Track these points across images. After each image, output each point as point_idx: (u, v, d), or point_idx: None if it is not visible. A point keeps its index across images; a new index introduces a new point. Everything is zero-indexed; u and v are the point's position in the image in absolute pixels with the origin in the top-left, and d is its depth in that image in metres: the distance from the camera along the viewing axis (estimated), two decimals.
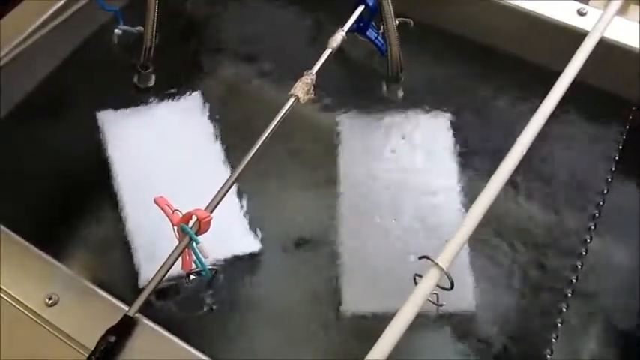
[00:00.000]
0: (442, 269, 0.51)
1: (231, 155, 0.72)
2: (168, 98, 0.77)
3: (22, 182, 0.69)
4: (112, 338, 0.48)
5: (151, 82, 0.78)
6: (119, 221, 0.67)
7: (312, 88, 0.63)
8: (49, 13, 0.72)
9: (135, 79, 0.78)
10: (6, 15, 0.71)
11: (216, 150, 0.74)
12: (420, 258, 0.53)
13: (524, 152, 0.58)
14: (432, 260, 0.52)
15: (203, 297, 0.62)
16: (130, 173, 0.71)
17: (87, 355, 0.48)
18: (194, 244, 0.54)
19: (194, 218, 0.54)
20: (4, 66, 0.69)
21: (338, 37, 0.66)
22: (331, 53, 0.65)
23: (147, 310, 0.54)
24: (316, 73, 0.63)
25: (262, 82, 0.80)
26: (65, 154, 0.73)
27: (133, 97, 0.77)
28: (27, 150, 0.71)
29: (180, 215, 0.55)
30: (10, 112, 0.72)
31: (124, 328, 0.50)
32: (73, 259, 0.65)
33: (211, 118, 0.76)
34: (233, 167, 0.71)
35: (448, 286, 0.52)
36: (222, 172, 0.72)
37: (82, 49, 0.78)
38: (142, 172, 0.71)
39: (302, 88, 0.62)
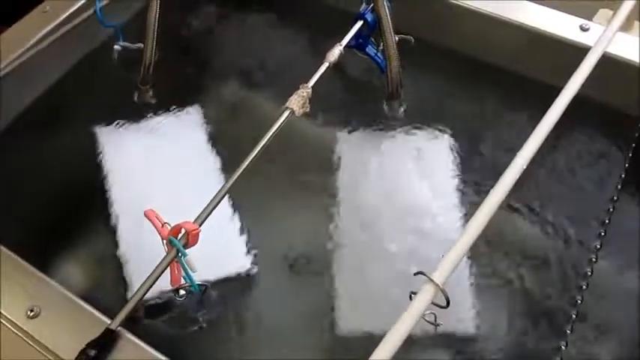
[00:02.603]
0: (437, 285, 0.49)
1: (230, 170, 0.71)
2: (167, 114, 0.77)
3: (17, 195, 0.68)
4: (92, 352, 0.47)
5: (150, 98, 0.78)
6: (114, 236, 0.66)
7: (307, 101, 0.62)
8: (50, 27, 0.72)
9: (134, 95, 0.78)
10: (7, 29, 0.71)
11: (214, 166, 0.73)
12: (416, 274, 0.51)
13: (524, 167, 0.57)
14: (427, 276, 0.50)
15: (193, 314, 0.60)
16: (128, 188, 0.70)
17: None
18: (182, 257, 0.53)
19: (183, 231, 0.53)
20: (3, 79, 0.69)
21: (335, 52, 0.66)
22: (328, 67, 0.65)
23: (135, 326, 0.53)
24: (313, 87, 0.63)
25: (262, 97, 0.79)
26: (62, 169, 0.72)
27: (131, 112, 0.76)
28: (23, 163, 0.70)
29: (170, 228, 0.54)
30: (8, 126, 0.72)
31: (105, 342, 0.48)
32: (65, 273, 0.63)
33: (210, 133, 0.75)
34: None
35: (445, 304, 0.50)
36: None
37: (82, 65, 0.78)
38: (139, 187, 0.71)
39: (297, 102, 0.61)
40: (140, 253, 0.65)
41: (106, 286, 0.63)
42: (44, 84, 0.75)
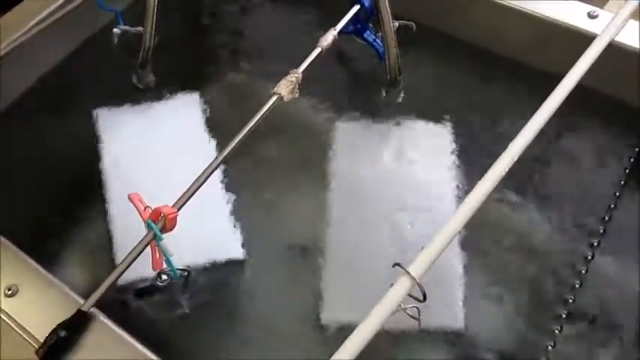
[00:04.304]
0: (413, 278, 0.48)
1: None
2: (166, 98, 0.77)
3: (13, 176, 0.69)
4: (63, 333, 0.47)
5: (150, 82, 0.78)
6: (106, 219, 0.66)
7: (297, 86, 0.61)
8: (49, 10, 0.73)
9: (133, 79, 0.77)
10: (6, 13, 0.72)
11: (212, 150, 0.72)
12: (394, 266, 0.50)
13: (515, 159, 0.55)
14: (403, 268, 0.48)
15: (175, 299, 0.60)
16: (124, 172, 0.70)
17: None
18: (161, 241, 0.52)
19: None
20: (2, 62, 0.70)
21: (329, 37, 0.64)
22: (320, 53, 0.63)
23: (114, 309, 0.53)
24: (306, 73, 0.61)
25: (261, 82, 0.78)
26: (59, 152, 0.73)
27: (130, 96, 0.76)
28: (20, 145, 0.71)
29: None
30: (7, 109, 0.73)
31: (77, 324, 0.48)
32: (53, 254, 0.64)
33: (209, 118, 0.75)
34: (227, 167, 0.69)
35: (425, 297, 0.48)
36: (217, 172, 0.70)
37: (82, 48, 0.78)
38: (135, 170, 0.71)
39: (286, 87, 0.60)
40: (131, 236, 0.65)
41: (95, 268, 0.64)
42: (44, 67, 0.75)
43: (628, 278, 0.59)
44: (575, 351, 0.55)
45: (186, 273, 0.60)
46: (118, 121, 0.75)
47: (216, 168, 0.56)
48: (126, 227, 0.66)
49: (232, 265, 0.64)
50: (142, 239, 0.52)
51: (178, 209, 0.53)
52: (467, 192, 0.64)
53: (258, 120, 0.58)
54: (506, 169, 0.54)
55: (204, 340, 0.59)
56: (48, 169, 0.71)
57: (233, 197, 0.68)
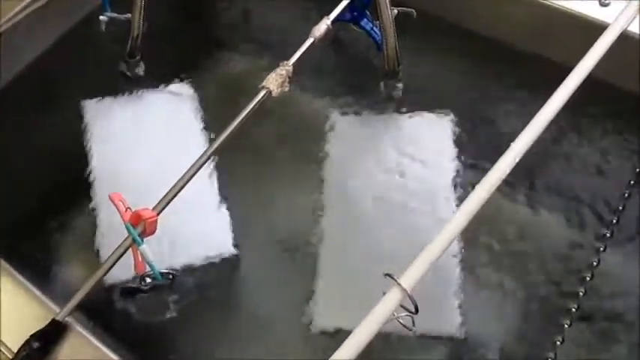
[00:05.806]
0: (404, 290, 0.45)
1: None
2: (156, 88, 0.74)
3: None
4: (36, 344, 0.45)
5: (138, 71, 0.75)
6: (92, 219, 0.64)
7: (287, 80, 0.58)
8: None
9: (121, 68, 0.75)
10: None
11: (203, 141, 0.70)
12: (385, 276, 0.47)
13: (518, 159, 0.51)
14: (394, 279, 0.46)
15: (159, 304, 0.58)
16: (112, 165, 0.68)
17: None
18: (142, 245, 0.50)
19: None
20: None
21: (322, 27, 0.61)
22: (313, 43, 0.60)
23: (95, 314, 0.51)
24: (295, 64, 0.58)
25: (252, 71, 0.76)
26: (43, 146, 0.70)
27: (118, 85, 0.74)
28: (2, 139, 0.68)
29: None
30: None
31: (51, 334, 0.46)
32: (32, 260, 0.61)
33: (199, 108, 0.72)
34: (219, 159, 0.67)
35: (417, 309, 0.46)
36: (208, 165, 0.67)
37: (67, 37, 0.75)
38: (125, 165, 0.68)
39: (275, 80, 0.57)
40: (118, 237, 0.62)
41: (78, 271, 0.62)
42: (27, 56, 0.73)
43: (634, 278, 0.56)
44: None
45: (171, 276, 0.58)
46: (105, 112, 0.72)
47: (200, 168, 0.53)
48: (112, 227, 0.63)
49: (221, 264, 0.62)
50: (121, 244, 0.50)
51: (159, 212, 0.50)
52: (469, 187, 0.62)
53: (246, 116, 0.55)
54: (508, 170, 0.51)
55: (184, 347, 0.57)
56: (30, 164, 0.69)
57: (226, 193, 0.66)
